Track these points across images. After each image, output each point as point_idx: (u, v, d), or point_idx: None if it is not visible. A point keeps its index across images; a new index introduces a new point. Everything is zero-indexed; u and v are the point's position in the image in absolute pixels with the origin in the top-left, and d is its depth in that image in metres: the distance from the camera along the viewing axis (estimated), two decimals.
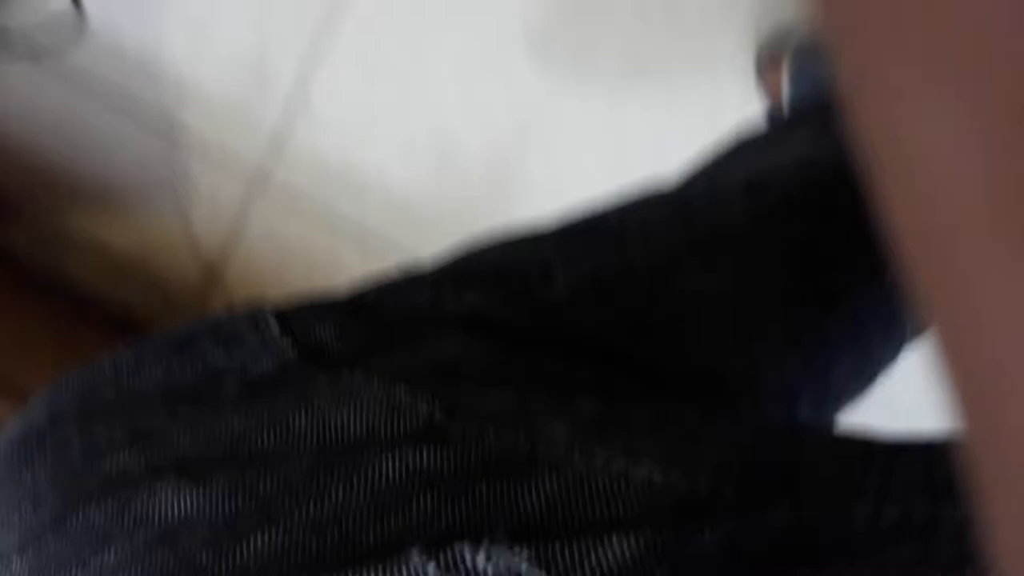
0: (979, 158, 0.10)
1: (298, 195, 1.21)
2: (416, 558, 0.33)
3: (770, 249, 0.55)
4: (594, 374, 0.45)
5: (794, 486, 0.34)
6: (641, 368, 0.49)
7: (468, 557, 0.33)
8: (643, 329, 0.50)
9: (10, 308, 1.28)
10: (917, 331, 0.63)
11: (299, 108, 1.18)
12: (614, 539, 0.33)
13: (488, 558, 0.33)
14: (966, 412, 0.12)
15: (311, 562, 0.35)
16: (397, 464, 0.37)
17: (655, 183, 0.60)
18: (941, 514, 0.32)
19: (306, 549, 0.35)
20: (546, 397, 0.40)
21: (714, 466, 0.35)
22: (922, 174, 0.11)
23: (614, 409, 0.40)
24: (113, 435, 0.41)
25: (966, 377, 0.12)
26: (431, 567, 0.33)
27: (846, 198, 0.61)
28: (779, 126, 0.72)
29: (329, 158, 1.18)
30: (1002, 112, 0.10)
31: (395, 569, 0.33)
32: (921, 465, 0.35)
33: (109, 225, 1.29)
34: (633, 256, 0.52)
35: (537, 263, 0.51)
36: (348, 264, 1.21)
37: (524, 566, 0.33)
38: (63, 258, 1.31)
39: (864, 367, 0.58)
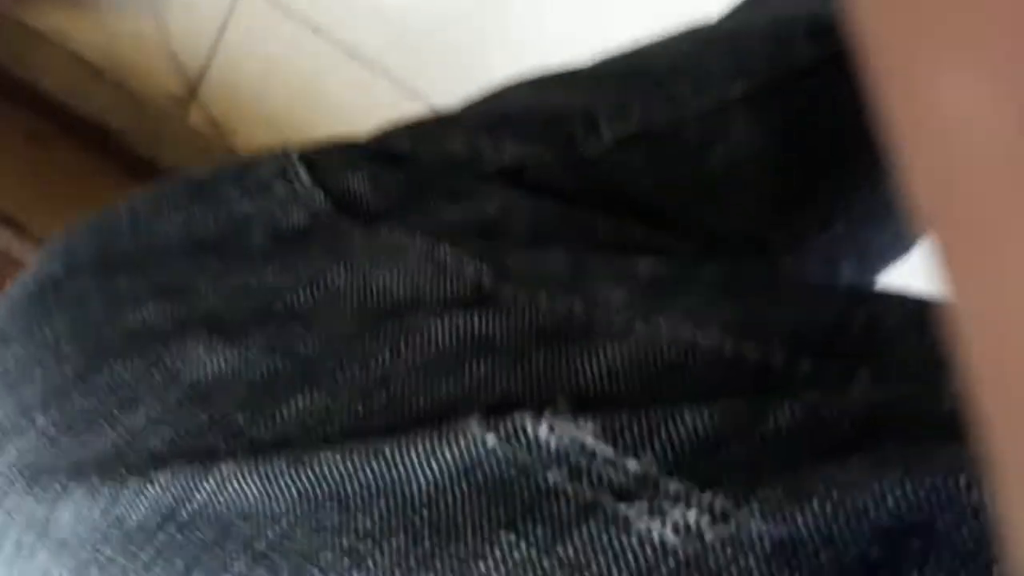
0: (1011, 127, 0.10)
1: (283, 5, 1.14)
2: (475, 427, 0.31)
3: (827, 100, 0.52)
4: (648, 234, 0.42)
5: (874, 358, 0.32)
6: (693, 228, 0.47)
7: (530, 428, 0.31)
8: (693, 187, 0.48)
9: None
10: None
11: None
12: (685, 413, 0.31)
13: (551, 429, 0.31)
14: (984, 391, 0.12)
15: (358, 426, 0.33)
16: (446, 328, 0.35)
17: (703, 20, 0.56)
18: None
19: (352, 413, 0.33)
20: (601, 258, 0.38)
21: (788, 334, 0.33)
22: (950, 143, 0.11)
23: (675, 271, 0.37)
24: (136, 287, 0.38)
25: (985, 347, 0.12)
26: (490, 437, 0.31)
27: None
28: None
29: None
30: None
31: (451, 437, 0.31)
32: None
33: (77, 23, 1.20)
34: (683, 104, 0.49)
35: (580, 111, 0.47)
36: (332, 88, 1.15)
37: (589, 439, 0.31)
38: (30, 59, 1.23)
39: (903, 234, 0.57)
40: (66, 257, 0.41)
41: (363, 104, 1.16)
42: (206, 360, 0.35)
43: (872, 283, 0.56)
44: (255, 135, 1.21)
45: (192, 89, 1.21)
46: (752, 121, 0.50)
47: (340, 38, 1.14)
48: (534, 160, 0.45)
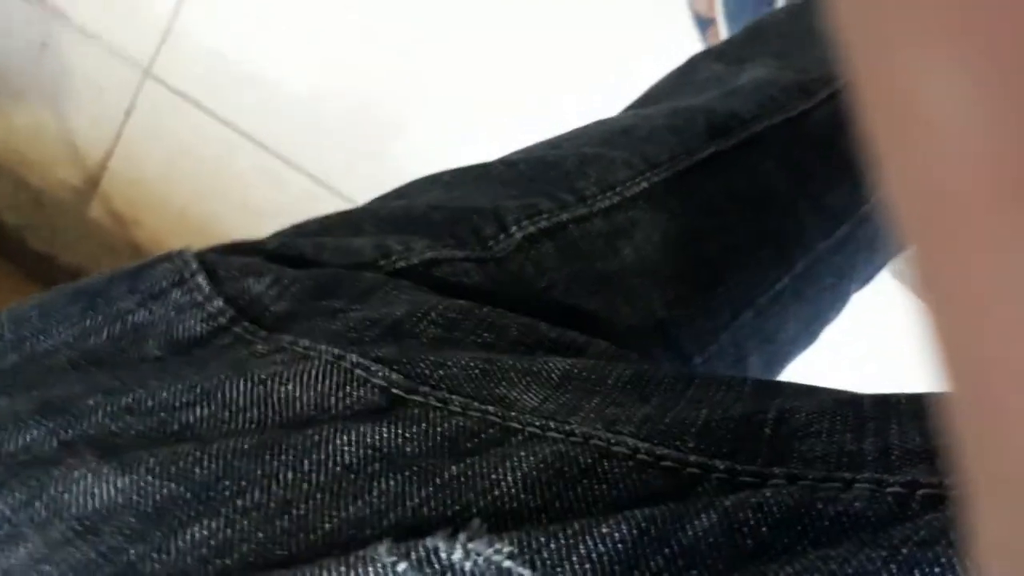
0: (989, 121, 0.10)
1: (187, 92, 1.12)
2: (384, 553, 0.29)
3: (730, 194, 0.53)
4: (560, 332, 0.41)
5: (788, 453, 0.32)
6: (603, 322, 0.47)
7: (444, 552, 0.29)
8: (602, 281, 0.47)
9: None
10: (862, 285, 0.63)
11: None
12: (603, 526, 0.29)
13: (466, 553, 0.29)
14: (957, 388, 0.12)
15: (259, 556, 0.31)
16: (353, 442, 0.33)
17: (612, 114, 0.56)
18: (945, 484, 0.30)
19: (252, 541, 0.31)
20: (513, 358, 0.37)
21: (700, 434, 0.32)
22: (926, 136, 0.11)
23: (586, 370, 0.36)
24: (18, 408, 0.35)
25: (959, 351, 0.12)
26: (402, 565, 0.29)
27: (816, 128, 0.59)
28: (732, 41, 0.69)
29: (224, 54, 1.09)
30: (1018, 73, 0.09)
31: (359, 566, 0.29)
32: (916, 430, 0.33)
33: None
34: (589, 201, 0.49)
35: (489, 210, 0.47)
36: (239, 177, 1.13)
37: (507, 562, 0.29)
38: None
39: (812, 323, 0.58)
40: None
41: (271, 194, 1.14)
42: (95, 489, 0.32)
43: (776, 376, 0.57)
44: (160, 228, 1.18)
45: (93, 181, 1.18)
46: (656, 215, 0.50)
47: (247, 128, 1.12)
48: (444, 258, 0.45)
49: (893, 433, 0.33)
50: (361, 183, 1.12)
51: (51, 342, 0.39)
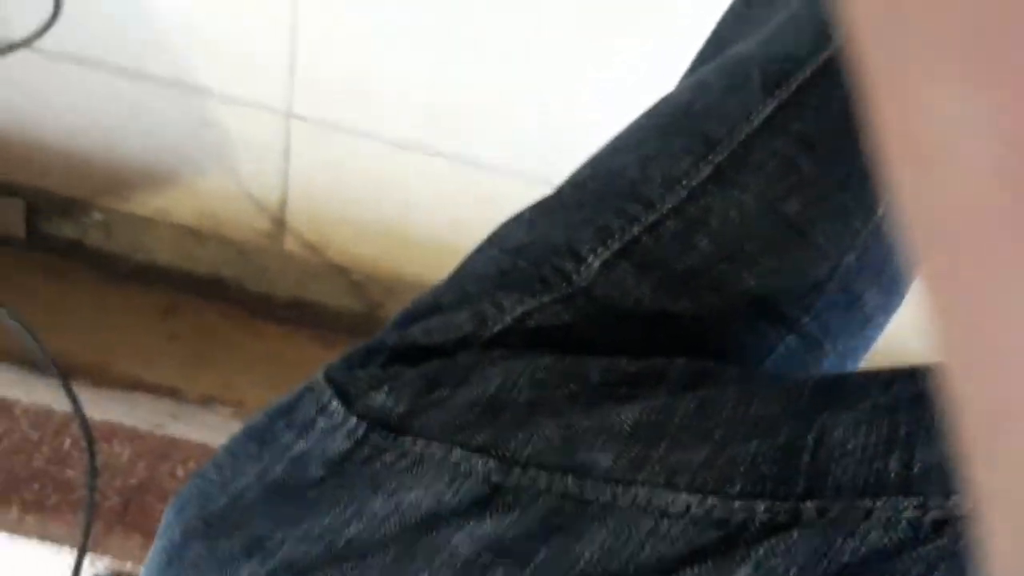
0: (1002, 138, 0.10)
1: (327, 119, 1.21)
2: None
3: (801, 142, 0.53)
4: (637, 363, 0.45)
5: (820, 483, 0.35)
6: (692, 319, 0.49)
7: None
8: (683, 279, 0.50)
9: (107, 300, 1.34)
10: None
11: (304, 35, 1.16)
12: None
13: None
14: (968, 408, 0.12)
15: None
16: (467, 537, 0.40)
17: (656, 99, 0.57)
18: (953, 505, 0.32)
19: None
20: (588, 417, 0.42)
21: (747, 472, 0.36)
22: (941, 153, 0.11)
23: (656, 410, 0.41)
24: (233, 547, 0.45)
25: (970, 369, 0.12)
26: None
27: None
28: None
29: (345, 77, 1.17)
30: None
31: None
32: (940, 440, 0.35)
33: (171, 199, 1.32)
34: (658, 205, 0.51)
35: (564, 245, 0.50)
36: (397, 179, 1.22)
37: None
38: (142, 242, 1.36)
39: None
40: (181, 523, 0.49)
41: (431, 187, 1.22)
42: None
43: (900, 302, 0.56)
44: (348, 244, 1.30)
45: (279, 221, 1.30)
46: (728, 193, 0.51)
47: (389, 135, 1.20)
48: (534, 308, 0.49)
49: (919, 442, 0.36)
50: (509, 153, 1.17)
51: (244, 480, 0.48)
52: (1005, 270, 0.11)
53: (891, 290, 0.55)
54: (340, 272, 1.31)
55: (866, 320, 0.54)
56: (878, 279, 0.54)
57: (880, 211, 0.54)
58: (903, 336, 0.66)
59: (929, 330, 0.13)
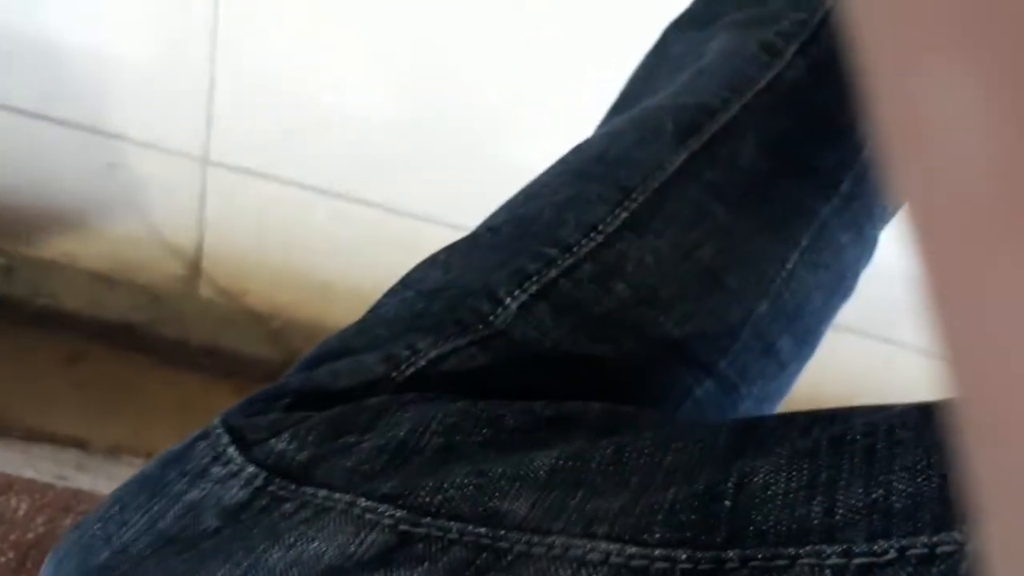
0: (997, 135, 0.10)
1: (242, 166, 1.19)
2: None
3: (714, 192, 0.53)
4: (553, 407, 0.44)
5: (742, 531, 0.34)
6: (612, 363, 0.49)
7: None
8: (601, 323, 0.49)
9: (6, 345, 1.29)
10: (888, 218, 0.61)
11: (223, 75, 1.14)
12: None
13: None
14: (964, 402, 0.12)
15: None
16: None
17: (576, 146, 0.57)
18: (879, 550, 0.32)
19: None
20: (502, 460, 0.40)
21: (666, 520, 0.35)
22: (935, 146, 0.11)
23: (572, 456, 0.39)
24: None
25: (967, 362, 0.12)
26: None
27: (790, 90, 0.58)
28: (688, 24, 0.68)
29: (269, 117, 1.15)
30: None
31: None
32: (863, 478, 0.34)
33: (80, 244, 1.27)
34: (573, 249, 0.51)
35: (480, 287, 0.49)
36: (318, 222, 1.20)
37: None
38: (48, 287, 1.31)
39: (841, 282, 0.57)
40: None
41: (353, 233, 1.20)
42: None
43: (811, 353, 0.56)
44: (267, 290, 1.27)
45: (194, 266, 1.27)
46: (643, 240, 0.51)
47: (310, 181, 1.18)
48: (448, 351, 0.48)
49: (841, 486, 0.35)
50: (438, 205, 1.16)
51: (131, 532, 0.45)
52: (1010, 254, 0.11)
53: (804, 340, 0.55)
54: (258, 319, 1.28)
55: (780, 367, 0.54)
56: (792, 327, 0.54)
57: (793, 259, 0.54)
58: (820, 379, 0.67)
59: (926, 321, 0.13)
